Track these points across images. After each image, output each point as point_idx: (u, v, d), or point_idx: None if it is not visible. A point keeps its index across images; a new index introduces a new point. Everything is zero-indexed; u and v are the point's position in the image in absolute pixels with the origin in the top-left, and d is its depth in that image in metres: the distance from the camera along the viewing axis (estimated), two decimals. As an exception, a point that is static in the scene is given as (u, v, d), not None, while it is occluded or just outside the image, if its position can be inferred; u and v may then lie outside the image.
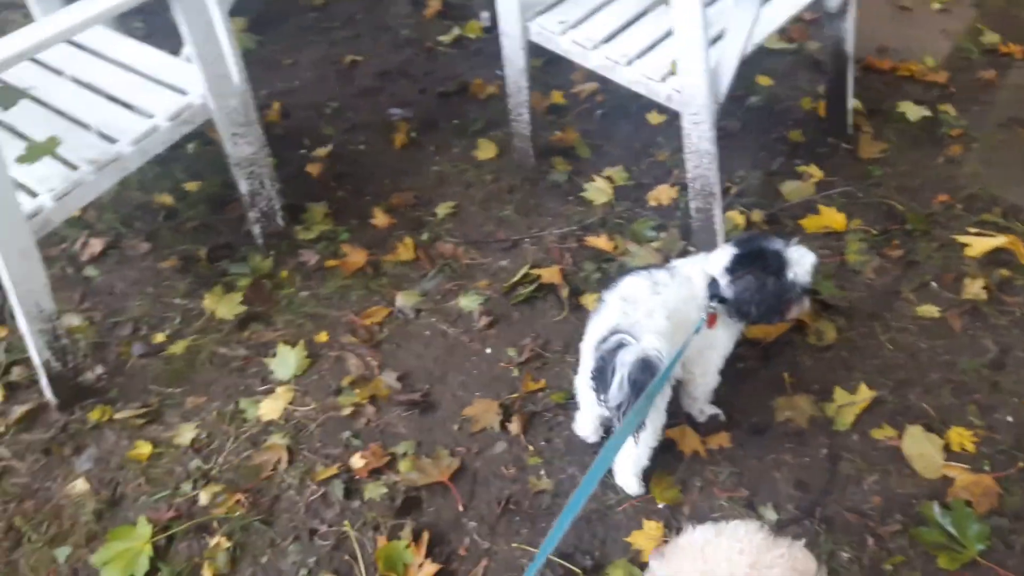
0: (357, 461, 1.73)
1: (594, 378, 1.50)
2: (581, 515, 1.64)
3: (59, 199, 1.76)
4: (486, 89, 2.64)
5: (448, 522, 1.65)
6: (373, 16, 2.98)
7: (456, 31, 2.87)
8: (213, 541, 1.62)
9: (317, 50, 2.82)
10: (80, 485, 1.71)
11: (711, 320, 1.59)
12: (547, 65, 2.45)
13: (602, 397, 1.49)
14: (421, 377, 1.90)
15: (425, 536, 1.61)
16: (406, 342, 1.97)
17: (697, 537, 1.18)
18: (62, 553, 1.62)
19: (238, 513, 1.66)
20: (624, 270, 2.01)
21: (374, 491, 1.69)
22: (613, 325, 1.50)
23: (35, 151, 1.82)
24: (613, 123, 2.50)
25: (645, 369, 1.41)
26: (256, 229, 2.16)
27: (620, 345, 1.44)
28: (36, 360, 1.80)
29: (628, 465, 1.64)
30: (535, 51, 2.17)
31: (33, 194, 1.75)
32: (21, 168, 1.77)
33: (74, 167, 1.81)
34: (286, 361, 1.91)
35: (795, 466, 1.71)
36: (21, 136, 1.86)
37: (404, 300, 2.05)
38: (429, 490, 1.70)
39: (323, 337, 1.97)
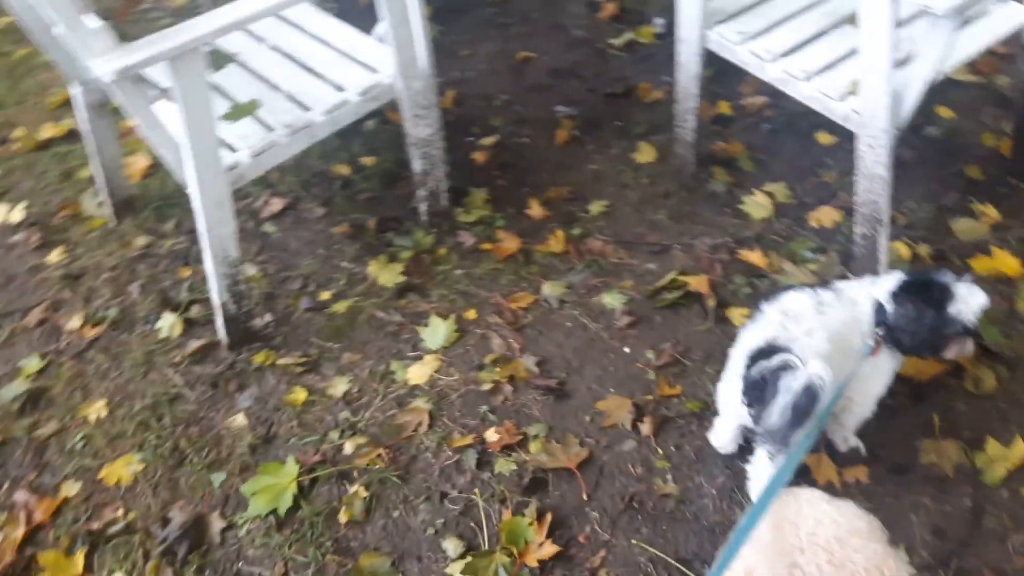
0: (491, 435, 1.80)
1: (747, 393, 1.49)
2: (705, 525, 1.64)
3: (255, 156, 1.92)
4: (652, 94, 2.65)
5: (571, 508, 1.69)
6: (549, 15, 3.05)
7: (628, 35, 2.91)
8: (352, 489, 1.74)
9: (493, 44, 2.92)
10: (240, 419, 1.87)
11: (876, 347, 1.55)
12: (717, 75, 2.44)
13: (753, 412, 1.48)
14: (559, 365, 1.95)
15: (548, 517, 1.66)
16: (548, 330, 2.03)
17: (809, 493, 1.17)
18: (217, 478, 1.78)
19: (378, 466, 1.77)
20: (778, 287, 1.98)
21: (504, 466, 1.75)
22: (770, 338, 1.48)
23: (238, 111, 2.00)
24: (780, 139, 2.46)
25: (810, 397, 1.38)
26: (422, 207, 2.28)
27: (785, 367, 1.42)
28: (216, 301, 1.98)
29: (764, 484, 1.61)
30: (707, 60, 2.17)
31: (232, 150, 1.93)
32: (225, 125, 1.95)
33: (270, 129, 1.97)
34: (436, 332, 2.02)
35: (934, 512, 1.64)
36: (226, 97, 2.04)
37: (550, 290, 2.10)
38: (556, 474, 1.74)
39: (472, 314, 2.06)
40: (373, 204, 2.36)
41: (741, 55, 2.08)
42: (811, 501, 1.16)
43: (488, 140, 2.54)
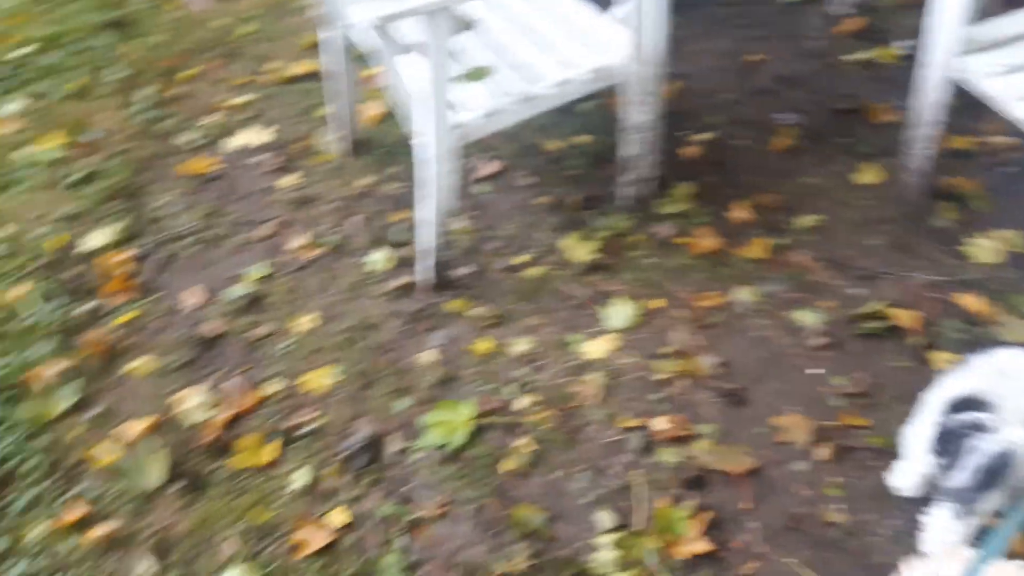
0: (660, 424, 1.81)
1: (937, 443, 1.42)
2: (869, 564, 1.58)
3: (482, 118, 2.03)
4: (884, 116, 2.53)
5: (730, 514, 1.67)
6: (786, 22, 2.98)
7: (867, 52, 2.78)
8: (517, 442, 1.81)
9: (723, 43, 2.89)
10: (428, 356, 2.00)
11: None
12: (959, 106, 2.28)
13: (939, 465, 1.41)
14: (739, 371, 1.92)
15: (705, 516, 1.65)
16: (733, 334, 2.00)
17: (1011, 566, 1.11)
18: (400, 404, 1.90)
19: (546, 427, 1.83)
20: (993, 340, 1.85)
21: (668, 456, 1.76)
22: (976, 391, 1.39)
23: (473, 74, 2.11)
24: (1021, 185, 2.28)
25: (1003, 463, 1.29)
26: (625, 191, 2.31)
27: (982, 426, 1.33)
28: (424, 246, 2.11)
29: (945, 537, 1.52)
30: (951, 89, 2.04)
31: (463, 109, 2.03)
32: (460, 85, 2.06)
33: (501, 94, 2.06)
34: (619, 313, 2.05)
35: None
36: (463, 59, 2.15)
37: (743, 295, 2.07)
38: (720, 477, 1.73)
39: (657, 304, 2.07)
40: (578, 182, 2.42)
41: (992, 89, 1.94)
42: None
43: (703, 136, 2.53)
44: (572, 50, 2.17)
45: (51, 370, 1.99)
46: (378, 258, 2.23)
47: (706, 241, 2.21)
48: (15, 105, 2.84)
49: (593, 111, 2.62)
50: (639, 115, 2.19)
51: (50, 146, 2.65)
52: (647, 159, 2.28)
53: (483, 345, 2.01)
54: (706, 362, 1.93)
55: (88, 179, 2.52)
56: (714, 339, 1.99)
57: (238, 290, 2.17)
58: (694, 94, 2.69)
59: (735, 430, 1.81)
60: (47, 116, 2.79)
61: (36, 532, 1.72)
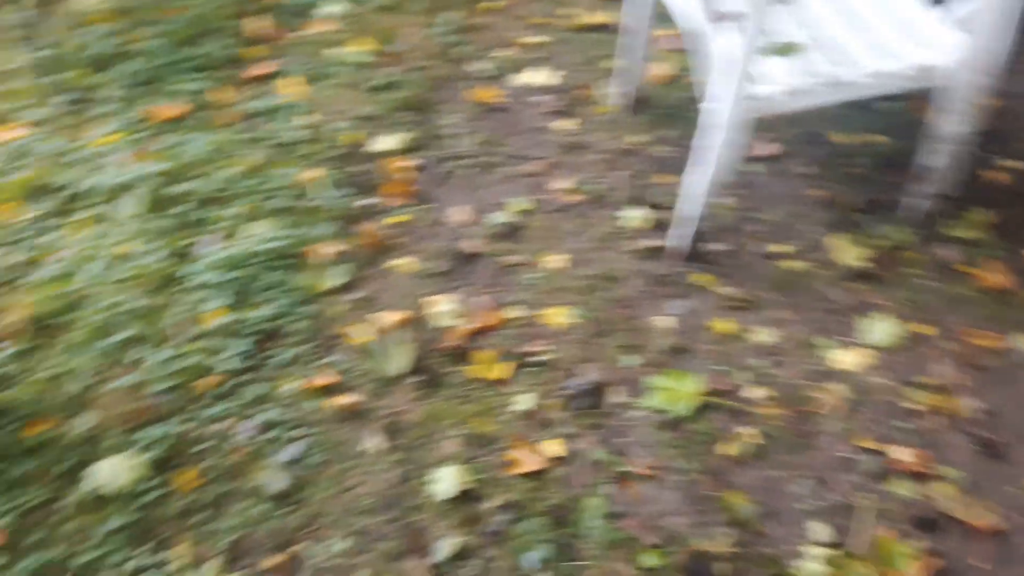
0: (901, 454, 1.69)
1: None
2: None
3: (782, 95, 1.94)
4: None
5: (960, 567, 1.54)
6: None
7: None
8: (742, 430, 1.77)
9: (1063, 65, 2.56)
10: (664, 322, 1.99)
11: None
12: None
13: None
14: (1004, 423, 1.74)
15: (932, 561, 1.54)
16: (1006, 383, 1.81)
17: None
18: (628, 360, 1.92)
19: (775, 423, 1.77)
20: None
21: (903, 489, 1.65)
22: None
23: (783, 49, 2.02)
24: None
25: None
26: (915, 203, 2.14)
27: None
28: (685, 214, 2.09)
29: None
30: None
31: (764, 83, 1.96)
32: (766, 58, 1.99)
33: (808, 74, 1.96)
34: (881, 329, 1.92)
35: None
36: (772, 33, 2.06)
37: (1027, 344, 1.87)
38: (957, 526, 1.59)
39: (925, 330, 1.92)
40: (861, 182, 2.27)
41: None
42: None
43: (1014, 163, 2.27)
44: (894, 42, 2.01)
45: (328, 249, 2.21)
46: (634, 216, 2.24)
47: (995, 276, 2.01)
48: (337, 8, 3.12)
49: (893, 111, 2.43)
50: (953, 125, 2.01)
51: (359, 50, 2.90)
52: (948, 174, 2.09)
53: (724, 325, 1.96)
54: (968, 404, 1.77)
55: (387, 87, 2.73)
56: (982, 382, 1.82)
57: (500, 217, 2.28)
58: (1015, 116, 2.42)
59: (986, 483, 1.65)
60: (361, 22, 3.04)
61: (289, 387, 1.93)
